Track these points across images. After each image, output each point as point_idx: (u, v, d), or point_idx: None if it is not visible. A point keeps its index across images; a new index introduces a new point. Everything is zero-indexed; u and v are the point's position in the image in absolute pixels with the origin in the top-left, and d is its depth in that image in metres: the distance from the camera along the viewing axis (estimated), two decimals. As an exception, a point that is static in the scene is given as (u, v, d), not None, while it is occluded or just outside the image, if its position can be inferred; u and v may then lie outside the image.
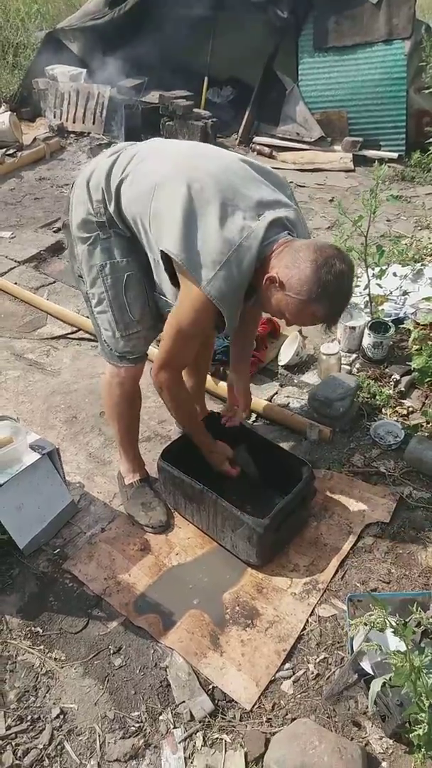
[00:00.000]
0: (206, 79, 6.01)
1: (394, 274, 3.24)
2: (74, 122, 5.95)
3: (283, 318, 1.74)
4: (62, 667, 1.80)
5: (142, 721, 1.68)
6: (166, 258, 1.72)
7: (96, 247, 1.91)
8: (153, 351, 2.09)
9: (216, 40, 6.02)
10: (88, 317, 3.16)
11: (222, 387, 2.72)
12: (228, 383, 2.35)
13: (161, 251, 1.72)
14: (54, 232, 4.32)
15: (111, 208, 1.84)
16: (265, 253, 1.65)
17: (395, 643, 1.51)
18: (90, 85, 5.88)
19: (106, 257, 1.91)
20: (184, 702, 1.71)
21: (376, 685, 1.31)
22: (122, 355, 2.04)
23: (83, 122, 5.93)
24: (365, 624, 1.16)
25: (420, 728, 1.20)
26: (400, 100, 5.25)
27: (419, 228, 4.23)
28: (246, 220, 1.64)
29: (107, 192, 1.84)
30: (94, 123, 5.89)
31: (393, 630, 1.14)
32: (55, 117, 6.03)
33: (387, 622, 1.13)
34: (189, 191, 1.66)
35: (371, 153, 5.37)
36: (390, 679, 1.27)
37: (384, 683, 1.50)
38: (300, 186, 5.10)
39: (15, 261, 3.89)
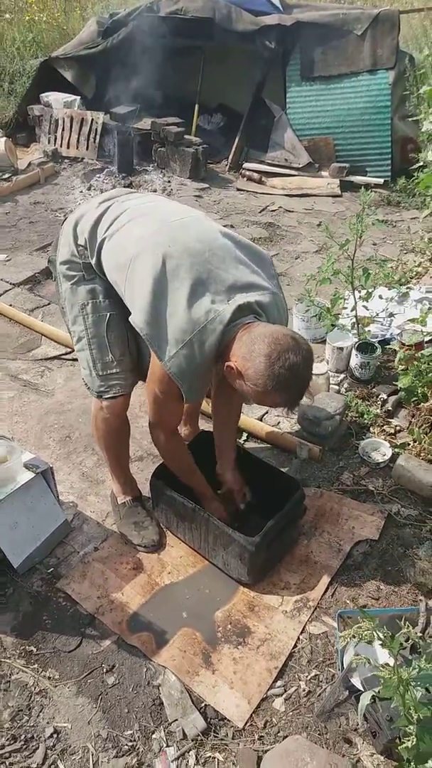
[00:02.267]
0: (197, 106, 6.15)
1: (380, 297, 3.31)
2: (68, 148, 6.05)
3: None
4: (56, 686, 1.81)
5: (135, 740, 1.69)
6: None
7: (79, 285, 1.97)
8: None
9: (206, 69, 6.17)
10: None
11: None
12: (217, 470, 2.28)
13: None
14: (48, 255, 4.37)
15: (92, 261, 1.90)
16: (229, 335, 1.66)
17: (384, 658, 1.54)
18: (84, 111, 6.00)
19: (89, 297, 1.96)
20: (176, 720, 1.72)
21: (365, 699, 1.33)
22: (99, 393, 2.06)
23: (77, 148, 6.03)
24: (354, 636, 1.19)
25: (408, 740, 1.23)
26: (384, 127, 5.40)
27: (405, 252, 4.33)
28: (214, 304, 1.65)
29: (90, 245, 1.89)
30: (87, 148, 5.99)
31: (381, 642, 1.17)
32: (49, 142, 6.13)
33: (375, 634, 1.16)
34: (164, 267, 1.69)
35: (357, 179, 5.50)
36: (378, 692, 1.29)
37: (374, 699, 1.53)
38: (288, 211, 5.20)
39: (10, 283, 3.94)
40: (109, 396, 2.04)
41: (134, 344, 2.04)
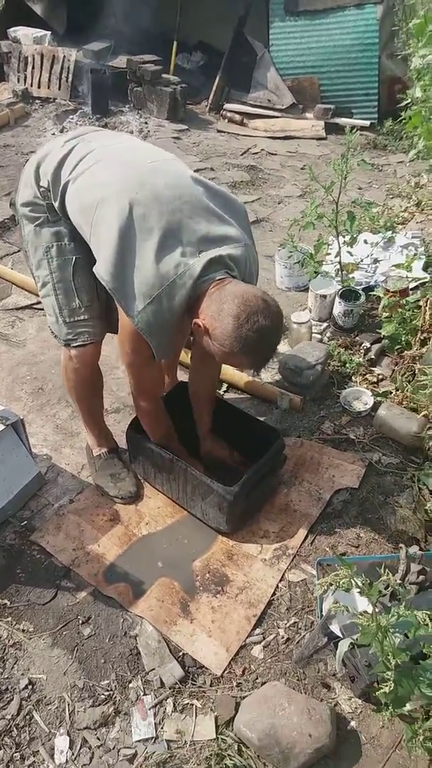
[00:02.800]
0: (175, 43, 5.85)
1: (365, 242, 3.21)
2: (39, 87, 5.76)
3: None
4: (30, 638, 1.78)
5: (111, 689, 1.67)
6: None
7: (43, 227, 1.85)
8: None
9: (184, 2, 5.84)
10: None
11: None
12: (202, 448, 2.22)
13: None
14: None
15: (56, 204, 1.78)
16: (199, 290, 1.59)
17: (364, 605, 1.51)
18: (55, 48, 5.68)
19: (54, 239, 1.84)
20: (154, 669, 1.71)
21: (343, 646, 1.31)
22: (67, 342, 1.96)
23: (48, 87, 5.74)
24: (331, 584, 1.16)
25: (386, 686, 1.21)
26: (372, 66, 5.19)
27: (391, 196, 4.20)
28: (184, 257, 1.57)
29: (53, 187, 1.77)
30: (60, 88, 5.70)
31: (359, 591, 1.14)
32: (19, 81, 5.83)
33: (353, 582, 1.12)
34: (131, 215, 1.58)
35: (343, 121, 5.31)
36: (357, 639, 1.27)
37: (352, 645, 1.51)
38: (271, 154, 5.02)
39: (-22, 230, 3.77)
40: (77, 344, 1.95)
41: (103, 290, 1.92)
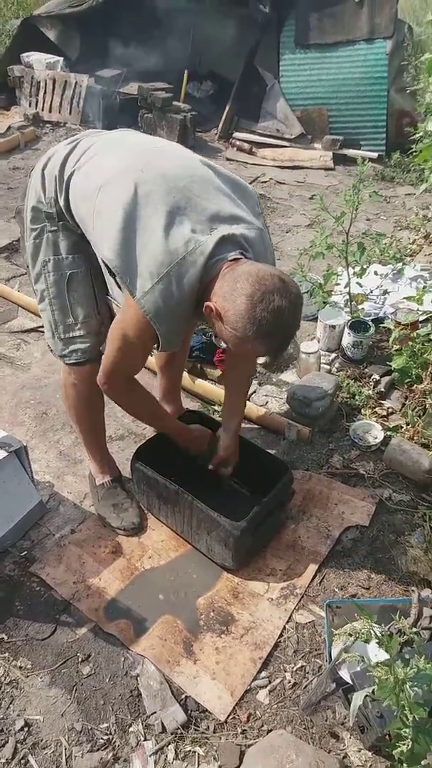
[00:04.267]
0: (186, 72, 5.92)
1: (375, 273, 3.20)
2: (50, 111, 5.81)
3: None
4: (28, 676, 1.71)
5: (111, 733, 1.60)
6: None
7: (41, 240, 1.79)
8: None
9: (197, 33, 5.94)
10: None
11: (199, 385, 2.65)
12: (218, 434, 2.12)
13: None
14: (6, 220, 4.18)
15: (61, 202, 1.71)
16: (212, 271, 1.47)
17: (375, 651, 1.45)
18: (67, 73, 5.74)
19: (51, 253, 1.79)
20: (155, 713, 1.64)
21: (358, 699, 1.25)
22: (62, 357, 1.92)
23: (59, 112, 5.79)
24: (350, 635, 1.10)
25: (404, 744, 1.14)
26: (381, 99, 5.23)
27: (399, 228, 4.21)
28: (195, 233, 1.47)
29: (59, 182, 1.70)
30: (70, 113, 5.75)
31: (378, 641, 1.08)
32: (30, 106, 5.88)
33: (372, 633, 1.07)
34: (135, 192, 1.49)
35: (351, 152, 5.34)
36: (373, 692, 1.21)
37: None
38: (279, 183, 5.05)
39: (-14, 251, 3.76)
40: (71, 361, 1.90)
41: (104, 305, 1.89)
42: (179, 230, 1.46)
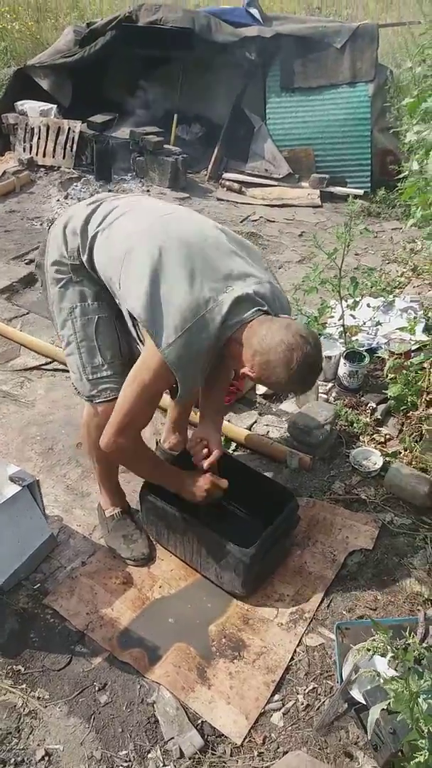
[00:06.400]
0: (176, 116, 6.14)
1: (368, 305, 3.32)
2: (44, 156, 5.98)
3: None
4: (46, 707, 1.74)
5: (130, 760, 1.63)
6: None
7: (68, 289, 1.93)
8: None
9: (185, 79, 6.17)
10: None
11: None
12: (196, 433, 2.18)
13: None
14: (26, 263, 4.30)
15: (84, 257, 1.87)
16: (230, 329, 1.67)
17: (384, 668, 1.50)
18: (60, 120, 5.93)
19: (77, 299, 1.93)
20: (173, 738, 1.67)
21: (375, 713, 1.30)
22: (90, 397, 2.01)
23: (53, 156, 5.96)
24: (368, 650, 1.16)
25: (420, 755, 1.19)
26: (364, 139, 5.46)
27: (387, 262, 4.36)
28: (213, 292, 1.65)
29: (82, 241, 1.86)
30: (64, 157, 5.92)
31: (392, 655, 1.14)
32: (24, 151, 6.05)
33: (388, 647, 1.13)
34: (160, 257, 1.68)
35: (338, 189, 5.54)
36: (389, 706, 1.26)
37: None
38: (270, 221, 5.21)
39: (-13, 292, 3.86)
40: (100, 400, 1.99)
41: (126, 347, 2.00)
42: (199, 290, 1.65)
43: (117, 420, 1.79)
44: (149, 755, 1.64)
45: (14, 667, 1.83)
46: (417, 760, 1.21)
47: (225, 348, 1.72)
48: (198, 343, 1.65)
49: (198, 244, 1.72)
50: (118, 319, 1.94)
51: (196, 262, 1.68)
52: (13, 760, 1.62)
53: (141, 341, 1.87)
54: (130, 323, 1.83)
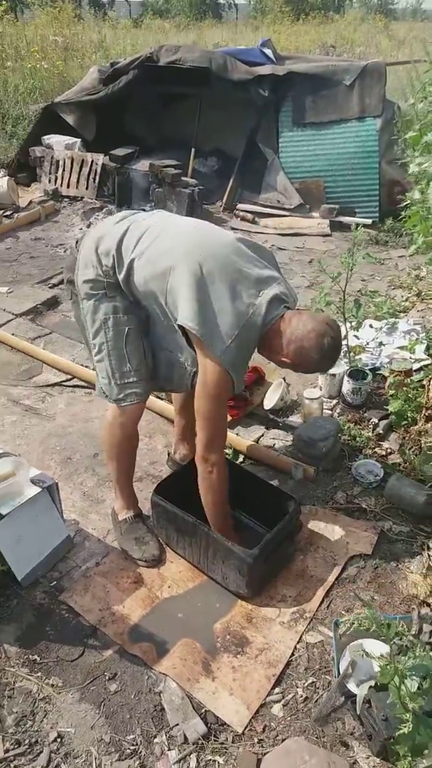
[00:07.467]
0: (193, 150, 6.41)
1: (371, 326, 3.46)
2: (68, 187, 6.28)
3: None
4: (59, 693, 1.85)
5: (137, 744, 1.73)
6: (182, 328, 1.94)
7: (102, 302, 2.11)
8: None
9: (202, 114, 6.46)
10: (83, 366, 3.34)
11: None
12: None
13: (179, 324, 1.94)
14: (49, 287, 4.52)
15: (120, 277, 2.05)
16: (268, 326, 1.93)
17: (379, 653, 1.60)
18: (84, 153, 6.24)
19: (111, 312, 2.11)
20: (177, 725, 1.77)
21: (363, 690, 1.40)
22: (117, 401, 2.19)
23: (77, 187, 6.25)
24: (353, 623, 1.27)
25: (405, 726, 1.29)
26: (373, 170, 5.66)
27: (392, 287, 4.51)
28: (251, 298, 1.90)
29: (119, 261, 2.04)
30: (87, 188, 6.21)
31: (379, 626, 1.25)
32: (50, 182, 6.36)
33: (373, 620, 1.24)
34: (201, 273, 1.88)
35: (347, 219, 5.73)
36: (376, 683, 1.36)
37: (370, 704, 1.59)
38: (281, 249, 5.40)
39: (12, 314, 4.06)
40: (126, 403, 2.18)
41: (150, 356, 2.20)
42: (241, 299, 1.90)
43: (207, 437, 2.00)
44: (155, 740, 1.74)
45: (30, 656, 1.95)
46: (402, 731, 1.30)
47: (261, 341, 1.98)
48: (245, 344, 1.93)
49: (229, 257, 1.94)
50: (143, 331, 2.16)
51: (232, 274, 1.90)
52: (27, 740, 1.74)
53: (180, 351, 2.11)
54: (179, 333, 2.01)
